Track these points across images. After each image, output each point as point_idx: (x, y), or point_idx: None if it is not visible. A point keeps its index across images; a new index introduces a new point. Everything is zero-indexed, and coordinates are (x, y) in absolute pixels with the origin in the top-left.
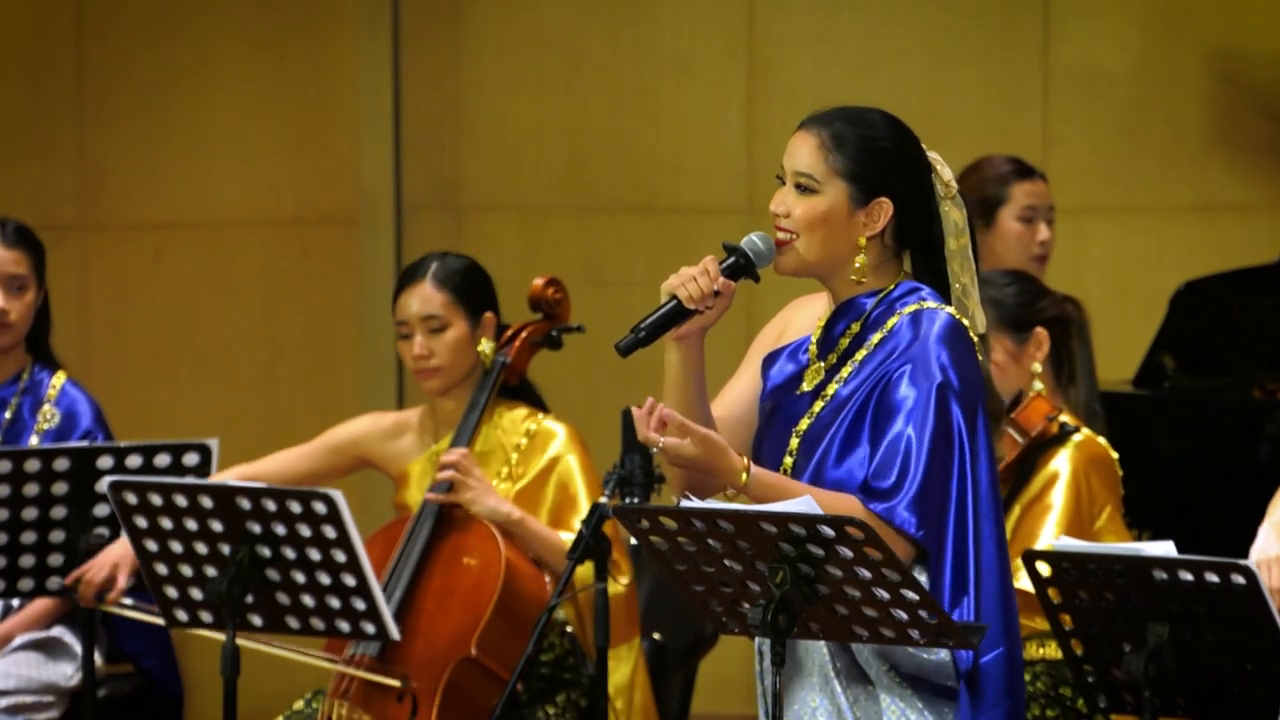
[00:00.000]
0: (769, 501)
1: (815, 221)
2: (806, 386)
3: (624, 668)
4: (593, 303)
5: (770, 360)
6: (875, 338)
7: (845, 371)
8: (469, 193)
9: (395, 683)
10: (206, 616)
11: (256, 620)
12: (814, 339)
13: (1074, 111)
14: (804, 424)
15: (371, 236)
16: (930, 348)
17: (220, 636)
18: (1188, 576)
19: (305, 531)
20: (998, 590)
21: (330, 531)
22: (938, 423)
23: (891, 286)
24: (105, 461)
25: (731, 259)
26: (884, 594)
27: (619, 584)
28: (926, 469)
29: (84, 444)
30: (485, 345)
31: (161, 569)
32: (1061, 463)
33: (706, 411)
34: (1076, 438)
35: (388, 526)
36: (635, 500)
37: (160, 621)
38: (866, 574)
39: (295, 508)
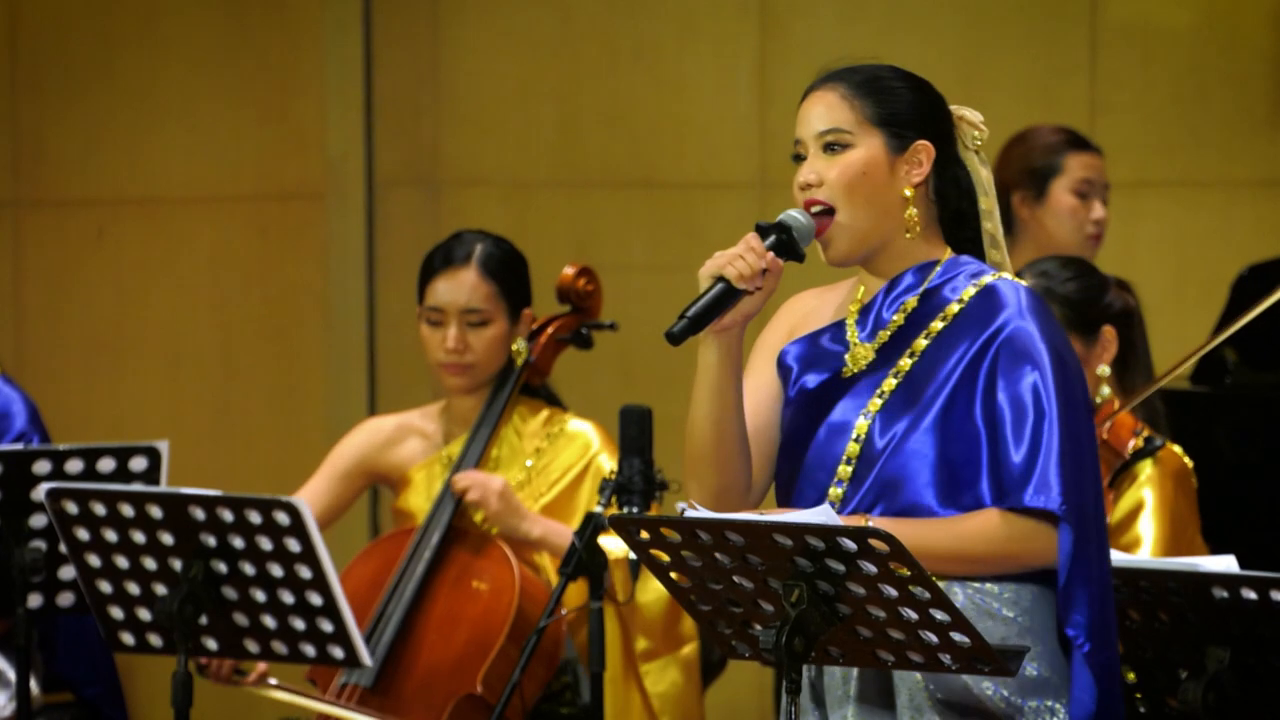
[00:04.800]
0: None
1: (855, 179)
2: (854, 369)
3: (671, 676)
4: None
5: (790, 352)
6: (954, 308)
7: (919, 344)
8: (448, 166)
9: None
10: (155, 640)
11: (211, 644)
12: (851, 321)
13: (1125, 75)
14: (874, 404)
15: (339, 214)
16: (1029, 325)
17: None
18: (1251, 595)
19: (266, 544)
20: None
21: (294, 544)
22: (1071, 412)
23: (941, 261)
24: (42, 466)
25: (774, 236)
26: (912, 614)
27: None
28: (1062, 465)
29: (18, 447)
30: (520, 344)
31: (105, 587)
32: (1147, 484)
33: (743, 420)
34: (1159, 451)
35: (389, 537)
36: (634, 509)
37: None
38: (892, 592)
39: (255, 518)
